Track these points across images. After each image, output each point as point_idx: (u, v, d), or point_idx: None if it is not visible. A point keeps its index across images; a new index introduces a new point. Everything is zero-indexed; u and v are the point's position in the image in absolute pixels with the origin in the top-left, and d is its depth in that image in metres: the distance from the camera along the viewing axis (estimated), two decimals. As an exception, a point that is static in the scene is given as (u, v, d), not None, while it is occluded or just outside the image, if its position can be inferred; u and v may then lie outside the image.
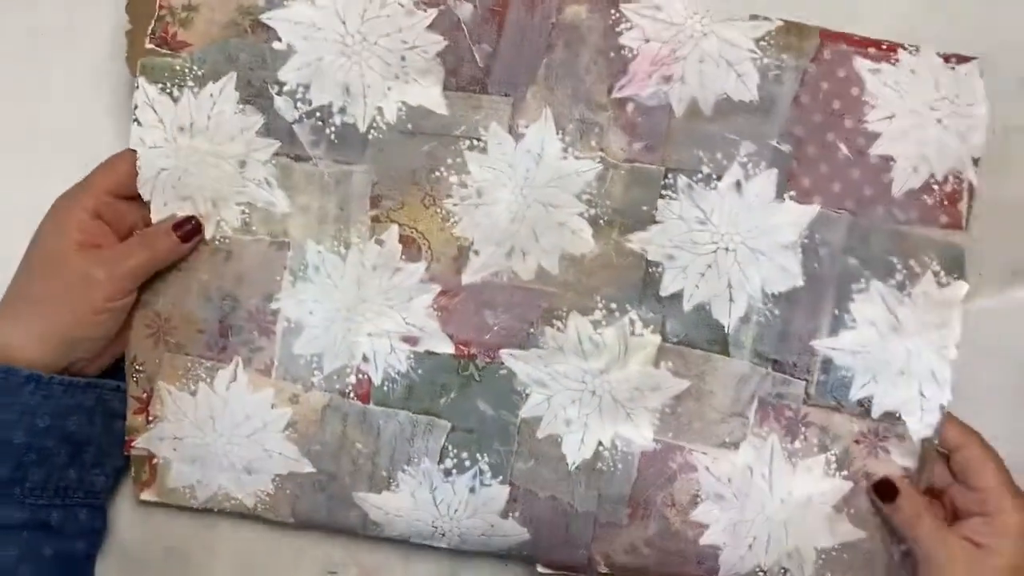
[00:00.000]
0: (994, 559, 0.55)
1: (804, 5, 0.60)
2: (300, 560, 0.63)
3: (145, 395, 0.60)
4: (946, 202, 0.58)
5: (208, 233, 0.59)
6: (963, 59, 0.59)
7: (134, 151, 0.58)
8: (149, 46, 0.58)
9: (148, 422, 0.60)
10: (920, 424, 0.59)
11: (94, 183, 0.58)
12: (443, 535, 0.61)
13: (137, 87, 0.58)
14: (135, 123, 0.58)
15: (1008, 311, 0.64)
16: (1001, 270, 0.63)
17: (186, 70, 0.58)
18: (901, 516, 0.58)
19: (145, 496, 0.62)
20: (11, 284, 0.57)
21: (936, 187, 0.58)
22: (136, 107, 0.58)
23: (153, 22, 0.58)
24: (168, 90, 0.58)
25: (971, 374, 0.59)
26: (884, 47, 0.59)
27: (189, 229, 0.58)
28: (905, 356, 0.59)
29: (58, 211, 0.57)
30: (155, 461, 0.61)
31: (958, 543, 0.56)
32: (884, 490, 0.59)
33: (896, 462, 0.59)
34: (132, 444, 0.61)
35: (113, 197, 0.58)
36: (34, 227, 0.58)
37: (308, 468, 0.60)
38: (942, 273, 0.59)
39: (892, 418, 0.59)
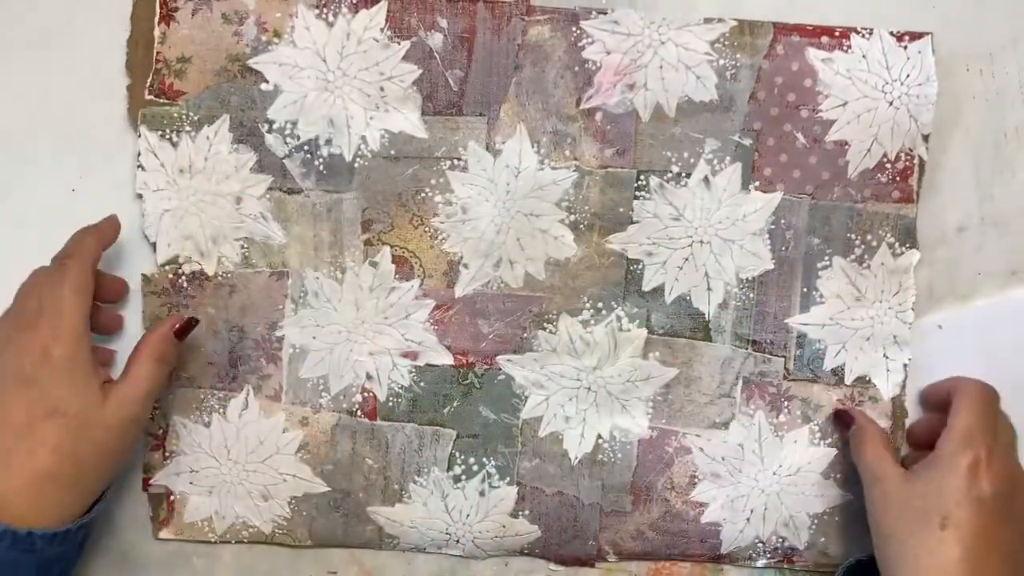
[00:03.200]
0: (893, 484, 0.56)
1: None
2: (301, 561, 0.64)
3: (161, 432, 0.61)
4: (898, 178, 0.61)
5: (211, 270, 0.60)
6: (916, 36, 0.60)
7: (86, 230, 0.57)
8: (148, 97, 0.59)
9: (164, 458, 0.61)
10: (888, 384, 0.62)
11: (80, 271, 0.54)
12: (457, 541, 0.63)
13: (139, 135, 0.59)
14: (139, 169, 0.60)
15: (1008, 311, 0.63)
16: (1001, 270, 0.63)
17: (183, 116, 0.59)
18: (853, 441, 0.60)
19: (163, 535, 0.62)
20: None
21: (889, 165, 0.61)
22: (139, 154, 0.60)
23: (151, 76, 0.59)
24: (167, 136, 0.59)
25: (971, 373, 0.60)
26: (837, 34, 0.60)
27: (184, 326, 0.57)
28: (870, 323, 0.62)
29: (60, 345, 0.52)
30: (173, 498, 0.62)
31: (891, 466, 0.57)
32: (842, 418, 0.62)
33: (874, 426, 0.62)
34: (149, 482, 0.62)
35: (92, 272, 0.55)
36: (34, 227, 0.60)
37: (322, 488, 0.62)
38: (896, 244, 0.61)
39: (864, 382, 0.62)
